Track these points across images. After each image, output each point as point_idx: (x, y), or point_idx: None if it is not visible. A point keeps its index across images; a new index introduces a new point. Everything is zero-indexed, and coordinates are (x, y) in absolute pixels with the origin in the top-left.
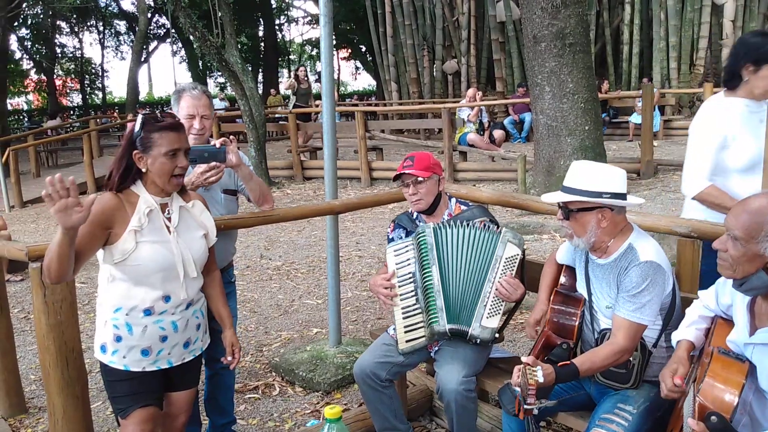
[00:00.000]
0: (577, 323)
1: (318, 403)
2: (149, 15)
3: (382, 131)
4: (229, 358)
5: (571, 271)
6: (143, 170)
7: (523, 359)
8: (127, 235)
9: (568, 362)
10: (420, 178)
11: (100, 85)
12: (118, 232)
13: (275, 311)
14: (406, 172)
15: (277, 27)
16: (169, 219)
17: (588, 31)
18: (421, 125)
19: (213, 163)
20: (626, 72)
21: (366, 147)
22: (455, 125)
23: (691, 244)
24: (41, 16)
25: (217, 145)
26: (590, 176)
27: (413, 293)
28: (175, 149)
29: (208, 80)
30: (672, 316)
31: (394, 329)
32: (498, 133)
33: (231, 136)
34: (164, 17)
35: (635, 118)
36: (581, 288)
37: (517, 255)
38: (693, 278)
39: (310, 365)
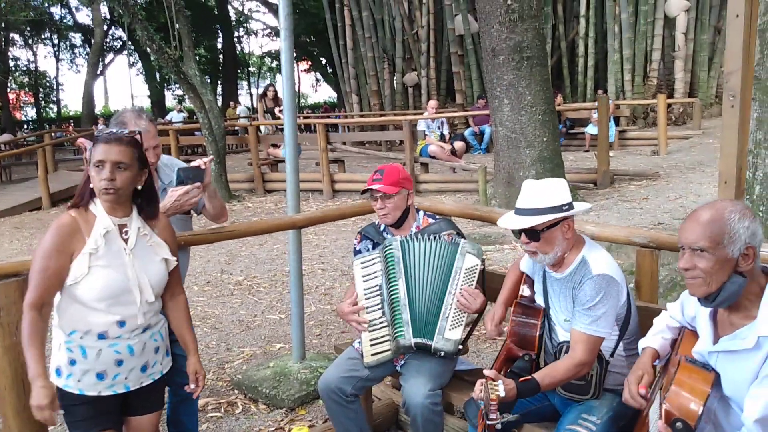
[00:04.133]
0: (538, 334)
1: (282, 420)
2: (105, 27)
3: (344, 143)
4: (193, 386)
5: (532, 281)
6: (91, 185)
7: (486, 373)
8: (81, 257)
9: (529, 378)
10: (389, 194)
11: (54, 99)
12: (76, 255)
13: (237, 327)
14: (374, 187)
15: (236, 39)
16: (126, 241)
17: (545, 45)
18: (383, 137)
19: (197, 184)
20: (582, 84)
21: (328, 159)
22: (416, 137)
23: (649, 254)
24: None
25: (203, 166)
26: (546, 193)
27: (380, 306)
28: (100, 160)
29: (166, 92)
30: (628, 326)
31: (359, 342)
32: (458, 145)
33: (211, 156)
34: (120, 29)
35: (591, 129)
36: (540, 300)
37: (477, 265)
38: (652, 288)
39: (274, 382)
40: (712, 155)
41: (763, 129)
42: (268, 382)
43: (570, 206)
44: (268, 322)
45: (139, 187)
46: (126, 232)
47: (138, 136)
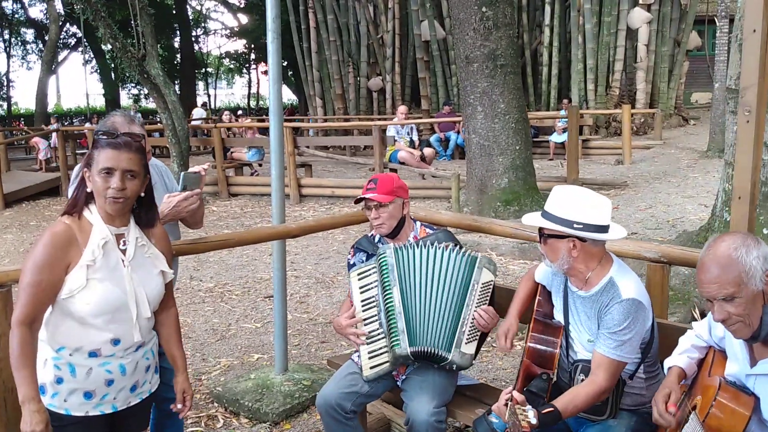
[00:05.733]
0: (557, 352)
1: None
2: (60, 23)
3: (307, 147)
4: (179, 406)
5: (547, 294)
6: (89, 189)
7: (515, 396)
8: (78, 270)
9: (552, 409)
10: (383, 203)
11: (4, 96)
12: (71, 267)
13: (211, 336)
14: (368, 196)
15: (193, 38)
16: (123, 252)
17: (518, 53)
18: (352, 142)
19: (197, 190)
20: (545, 92)
21: (295, 163)
22: (386, 143)
23: (660, 269)
24: None
25: (203, 173)
26: (567, 204)
27: (376, 318)
28: (109, 168)
29: (121, 91)
30: (650, 349)
31: (358, 356)
32: (428, 151)
33: (208, 163)
34: (75, 26)
35: (555, 138)
36: (559, 316)
37: (492, 281)
38: (663, 303)
39: (256, 394)
40: (675, 165)
41: None
42: (250, 394)
43: (586, 228)
44: (243, 331)
45: (142, 194)
46: (124, 243)
47: (143, 141)
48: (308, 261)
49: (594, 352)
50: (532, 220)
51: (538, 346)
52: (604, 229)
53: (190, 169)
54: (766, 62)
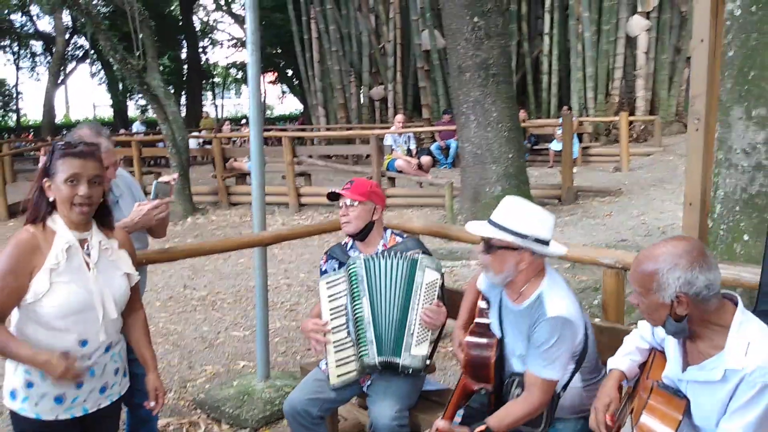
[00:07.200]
0: (493, 361)
1: None
2: (67, 36)
3: (310, 156)
4: (152, 404)
5: (488, 302)
6: (51, 199)
7: (438, 424)
8: (41, 273)
9: (484, 427)
10: (353, 202)
11: (13, 107)
12: (35, 272)
13: (200, 344)
14: (340, 192)
15: (200, 49)
16: (88, 255)
17: (510, 62)
18: (350, 151)
19: (167, 199)
20: (546, 101)
21: (294, 172)
22: (383, 151)
23: (615, 275)
24: None
25: (172, 183)
26: (520, 216)
27: (345, 326)
28: (75, 175)
29: (129, 102)
30: (584, 360)
31: (326, 363)
32: (425, 159)
33: (178, 173)
34: (83, 38)
35: (555, 145)
36: (495, 328)
37: (437, 279)
38: (618, 308)
39: (237, 401)
40: (672, 172)
41: (723, 149)
42: (231, 401)
43: (537, 242)
44: (231, 339)
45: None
46: (88, 247)
47: (98, 152)
48: (301, 269)
49: (526, 371)
50: (481, 229)
51: (474, 359)
52: (548, 243)
53: (161, 179)
54: (715, 72)
